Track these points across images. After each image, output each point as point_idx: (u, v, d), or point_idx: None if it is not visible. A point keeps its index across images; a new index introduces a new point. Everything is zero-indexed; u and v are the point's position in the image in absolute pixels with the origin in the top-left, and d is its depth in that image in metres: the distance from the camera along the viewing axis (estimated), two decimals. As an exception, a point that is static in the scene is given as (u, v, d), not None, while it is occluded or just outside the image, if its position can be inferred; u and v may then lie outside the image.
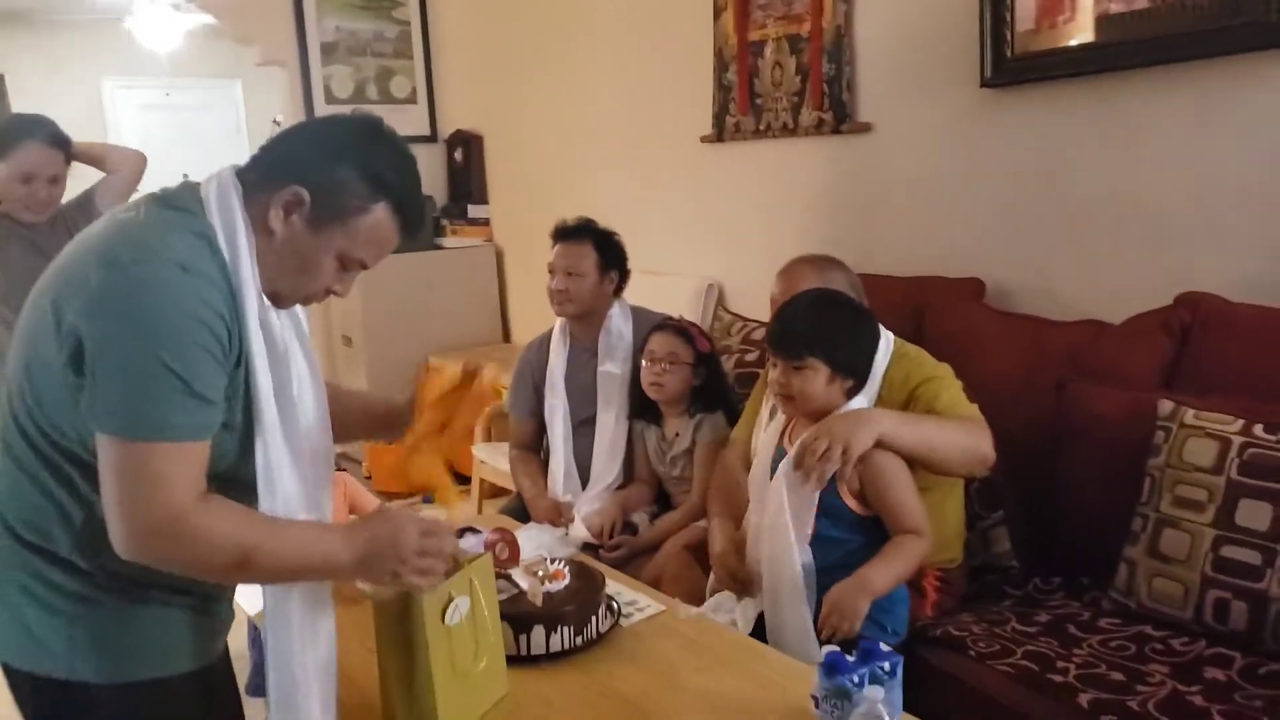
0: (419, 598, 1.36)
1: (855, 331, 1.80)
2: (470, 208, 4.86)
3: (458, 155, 4.92)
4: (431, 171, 5.00)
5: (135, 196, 1.33)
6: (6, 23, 7.00)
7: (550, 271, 2.58)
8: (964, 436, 1.81)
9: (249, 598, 1.58)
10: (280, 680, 1.33)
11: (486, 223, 4.85)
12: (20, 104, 7.10)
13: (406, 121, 4.90)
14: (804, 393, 1.77)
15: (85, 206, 2.65)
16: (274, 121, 7.81)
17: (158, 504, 1.10)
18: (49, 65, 7.17)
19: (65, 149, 2.58)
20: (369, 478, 4.43)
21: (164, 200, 1.22)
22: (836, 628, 1.64)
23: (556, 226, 2.64)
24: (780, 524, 1.76)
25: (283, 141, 1.28)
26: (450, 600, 1.40)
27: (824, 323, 1.78)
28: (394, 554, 1.26)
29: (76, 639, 1.21)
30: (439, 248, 4.83)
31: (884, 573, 1.68)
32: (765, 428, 2.05)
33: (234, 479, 1.24)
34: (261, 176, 1.23)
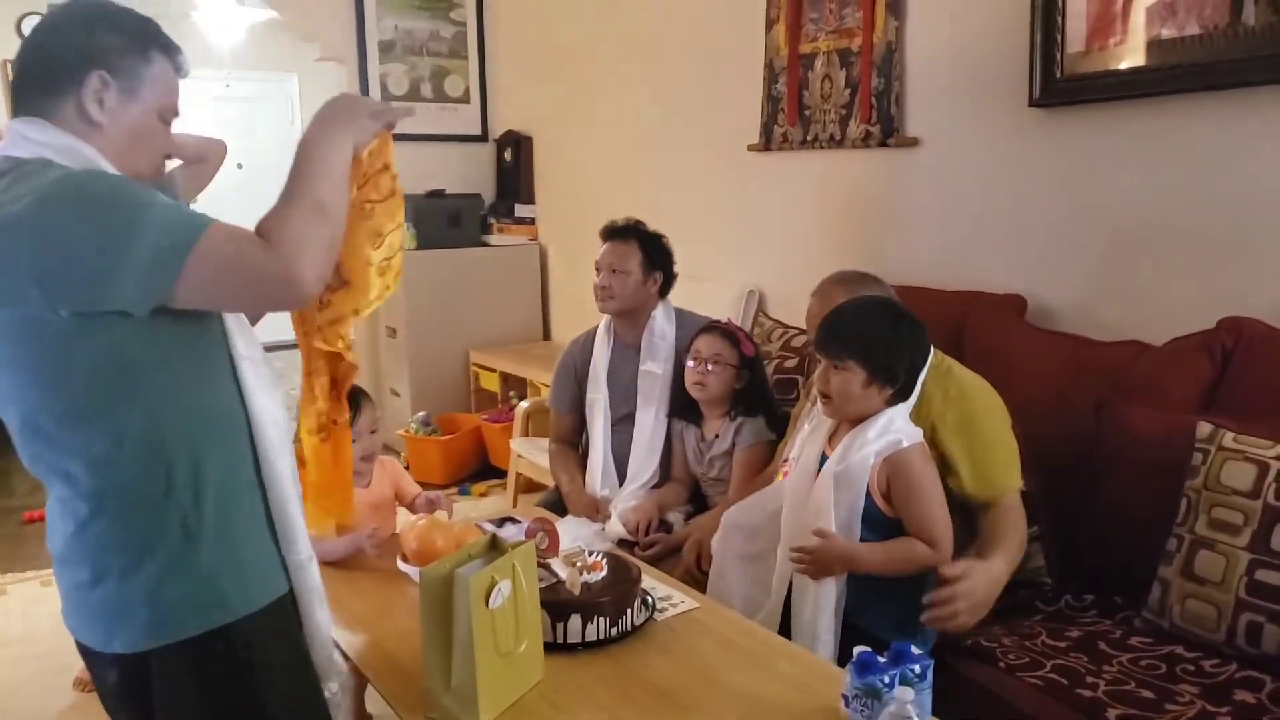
0: (464, 581, 1.41)
1: (898, 339, 1.82)
2: (517, 207, 4.93)
3: (507, 155, 4.99)
4: (481, 170, 5.09)
5: None
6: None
7: (597, 268, 2.65)
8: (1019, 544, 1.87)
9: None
10: None
11: (532, 222, 4.92)
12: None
13: (459, 120, 5.00)
14: (841, 393, 1.80)
15: (168, 192, 2.71)
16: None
17: (255, 265, 1.17)
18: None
19: None
20: (407, 467, 4.51)
21: (25, 168, 1.20)
22: (798, 564, 1.76)
23: (605, 226, 2.70)
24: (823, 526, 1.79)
25: (35, 54, 1.28)
26: (494, 584, 1.45)
27: (866, 326, 1.81)
28: (356, 106, 1.37)
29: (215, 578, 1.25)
30: (485, 245, 4.91)
31: (874, 558, 1.76)
32: (806, 434, 2.09)
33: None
34: (47, 92, 1.26)
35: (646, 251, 2.62)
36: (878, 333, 1.80)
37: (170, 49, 1.34)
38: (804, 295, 3.30)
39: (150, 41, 1.32)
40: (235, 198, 7.66)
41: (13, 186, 1.16)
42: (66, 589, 1.30)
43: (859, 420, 1.82)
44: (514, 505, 3.82)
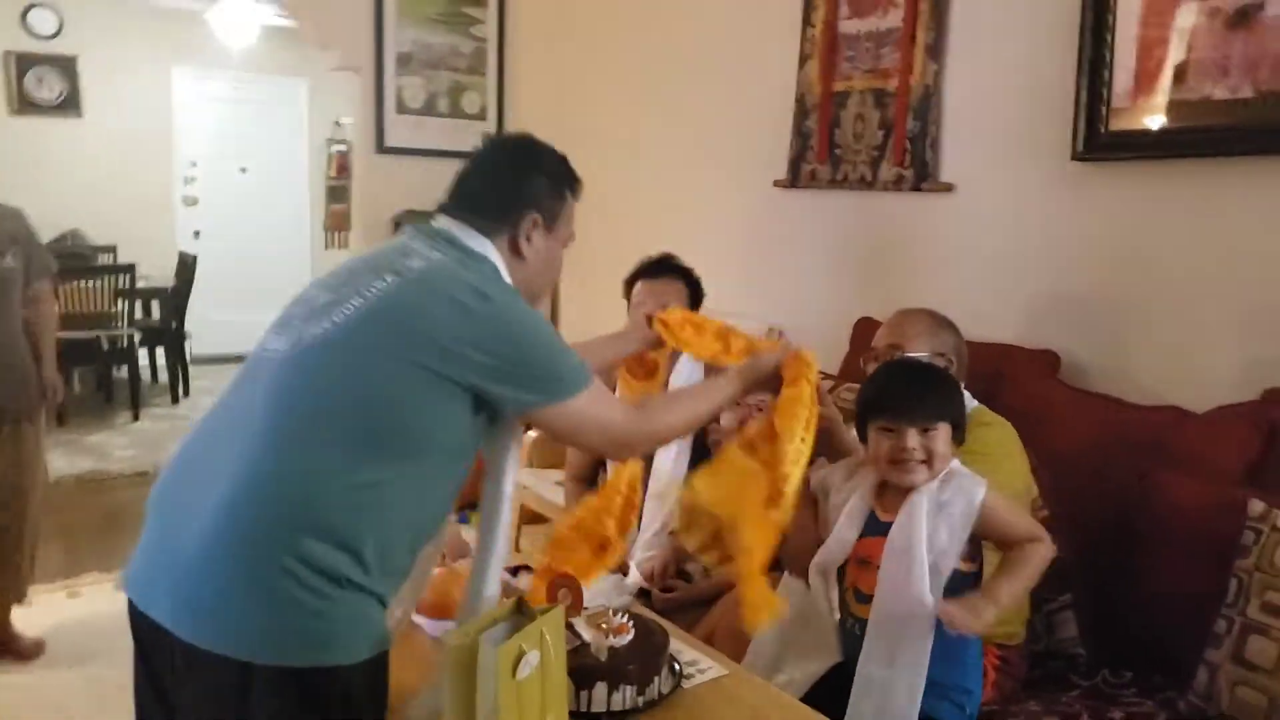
0: (491, 651, 1.33)
1: (959, 393, 1.77)
2: (530, 229, 4.85)
3: (521, 175, 4.92)
4: (493, 189, 5.00)
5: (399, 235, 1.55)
6: (83, 4, 7.11)
7: (639, 306, 2.51)
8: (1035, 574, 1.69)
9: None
10: None
11: (544, 245, 4.84)
12: (91, 86, 7.21)
13: (474, 137, 4.90)
14: (942, 454, 1.68)
15: None
16: (336, 123, 7.92)
17: (616, 430, 1.50)
18: (119, 50, 7.26)
19: None
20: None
21: (451, 243, 1.47)
22: (953, 620, 1.54)
23: (643, 264, 2.59)
24: (916, 560, 1.64)
25: (481, 183, 1.54)
26: (521, 654, 1.37)
27: (940, 385, 1.74)
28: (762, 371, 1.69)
29: (336, 626, 1.31)
30: (495, 265, 4.83)
31: (1008, 586, 1.60)
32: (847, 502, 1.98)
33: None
34: (485, 217, 1.50)
35: (691, 289, 2.54)
36: (948, 389, 1.74)
37: (576, 184, 1.62)
38: (825, 336, 3.25)
39: (566, 181, 1.60)
40: (238, 198, 7.71)
41: (465, 266, 1.44)
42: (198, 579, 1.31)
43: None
44: (515, 541, 3.73)
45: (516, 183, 1.53)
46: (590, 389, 1.45)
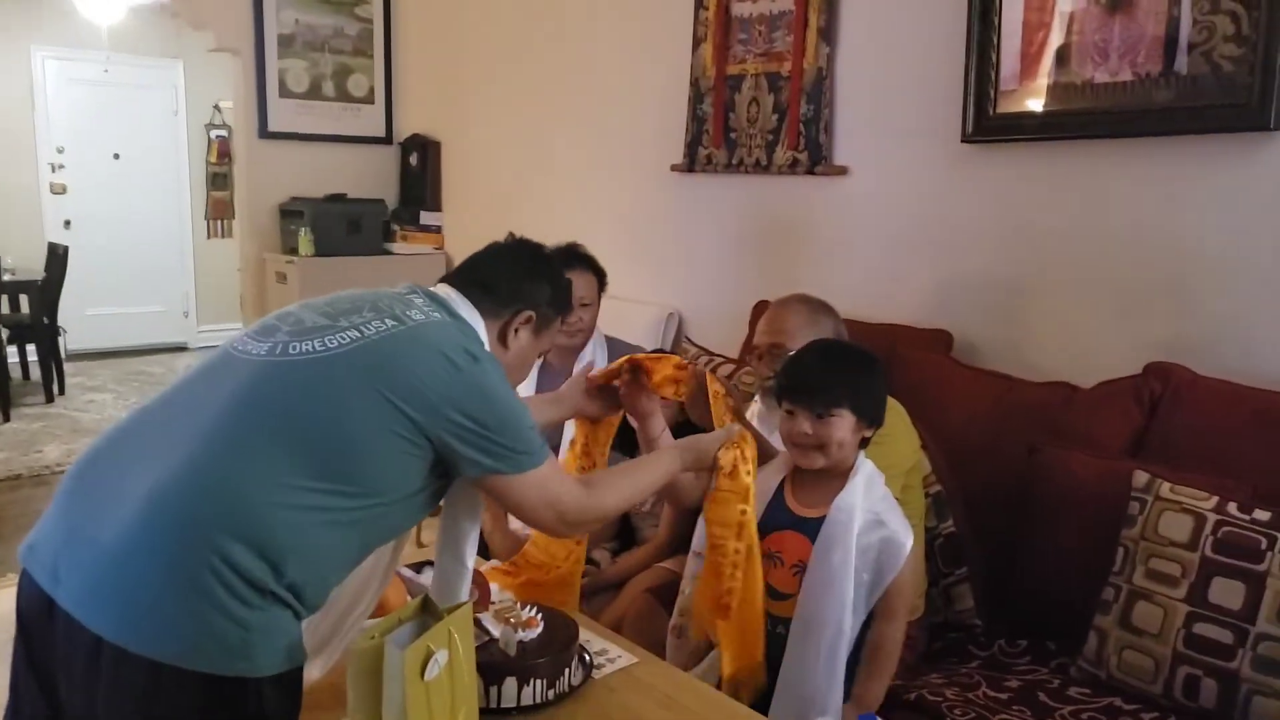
0: (397, 653, 1.28)
1: (874, 379, 1.75)
2: (423, 214, 4.75)
3: (413, 160, 4.80)
4: (384, 174, 4.89)
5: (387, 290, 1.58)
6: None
7: None
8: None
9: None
10: None
11: (439, 230, 4.74)
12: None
13: (362, 122, 4.79)
14: (839, 441, 1.68)
15: None
16: (215, 107, 7.59)
17: (564, 508, 1.51)
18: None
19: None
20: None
21: (447, 308, 1.52)
22: None
23: (562, 253, 2.47)
24: (838, 576, 1.66)
25: (494, 270, 1.62)
26: (430, 654, 1.32)
27: (848, 371, 1.73)
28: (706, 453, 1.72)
29: (253, 636, 1.28)
30: (387, 253, 4.71)
31: (878, 691, 1.68)
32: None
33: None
34: (487, 298, 1.57)
35: (599, 277, 2.52)
36: (858, 375, 1.72)
37: (568, 309, 1.73)
38: (723, 320, 3.26)
39: (564, 301, 1.69)
40: (111, 186, 7.32)
41: (459, 330, 1.49)
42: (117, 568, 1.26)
43: (840, 470, 1.72)
44: (419, 541, 3.64)
45: (525, 280, 1.62)
46: (547, 465, 1.49)
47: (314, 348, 1.39)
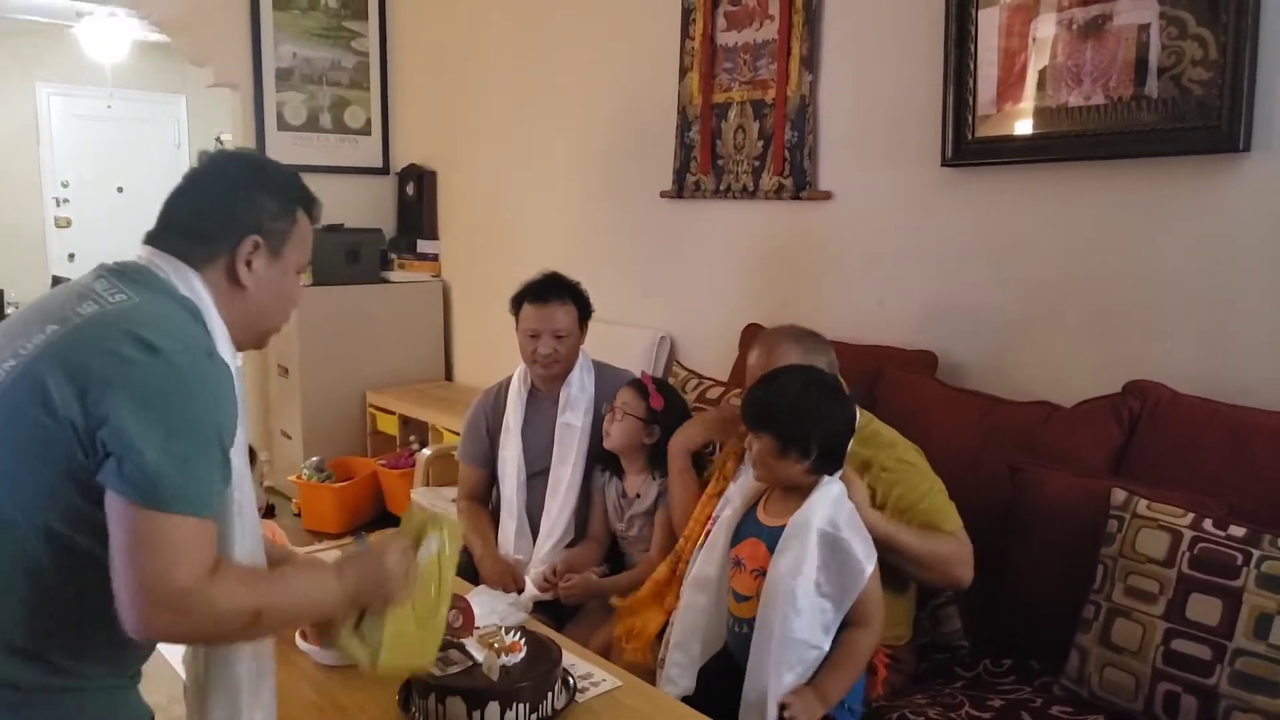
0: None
1: (815, 412, 1.77)
2: (420, 243, 4.80)
3: (409, 189, 4.86)
4: (382, 204, 4.94)
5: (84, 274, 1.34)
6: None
7: (532, 335, 2.48)
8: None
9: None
10: None
11: (435, 258, 4.79)
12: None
13: (359, 153, 4.85)
14: (760, 460, 1.80)
15: None
16: (217, 139, 7.67)
17: (171, 577, 1.11)
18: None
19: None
20: (298, 514, 4.31)
21: (140, 281, 1.27)
22: (792, 712, 1.65)
23: (531, 286, 2.54)
24: (785, 580, 1.71)
25: (193, 206, 1.36)
26: (425, 534, 1.46)
27: (781, 398, 1.78)
28: (382, 584, 1.39)
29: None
30: (385, 281, 4.75)
31: (840, 685, 1.71)
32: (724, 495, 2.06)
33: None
34: (196, 243, 1.32)
35: (580, 308, 2.53)
36: (793, 405, 1.77)
37: (310, 203, 1.44)
38: (714, 344, 3.29)
39: (298, 200, 1.41)
40: (115, 219, 7.40)
41: (152, 304, 1.23)
42: None
43: (788, 487, 1.79)
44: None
45: (235, 203, 1.34)
46: (196, 523, 1.14)
47: None
